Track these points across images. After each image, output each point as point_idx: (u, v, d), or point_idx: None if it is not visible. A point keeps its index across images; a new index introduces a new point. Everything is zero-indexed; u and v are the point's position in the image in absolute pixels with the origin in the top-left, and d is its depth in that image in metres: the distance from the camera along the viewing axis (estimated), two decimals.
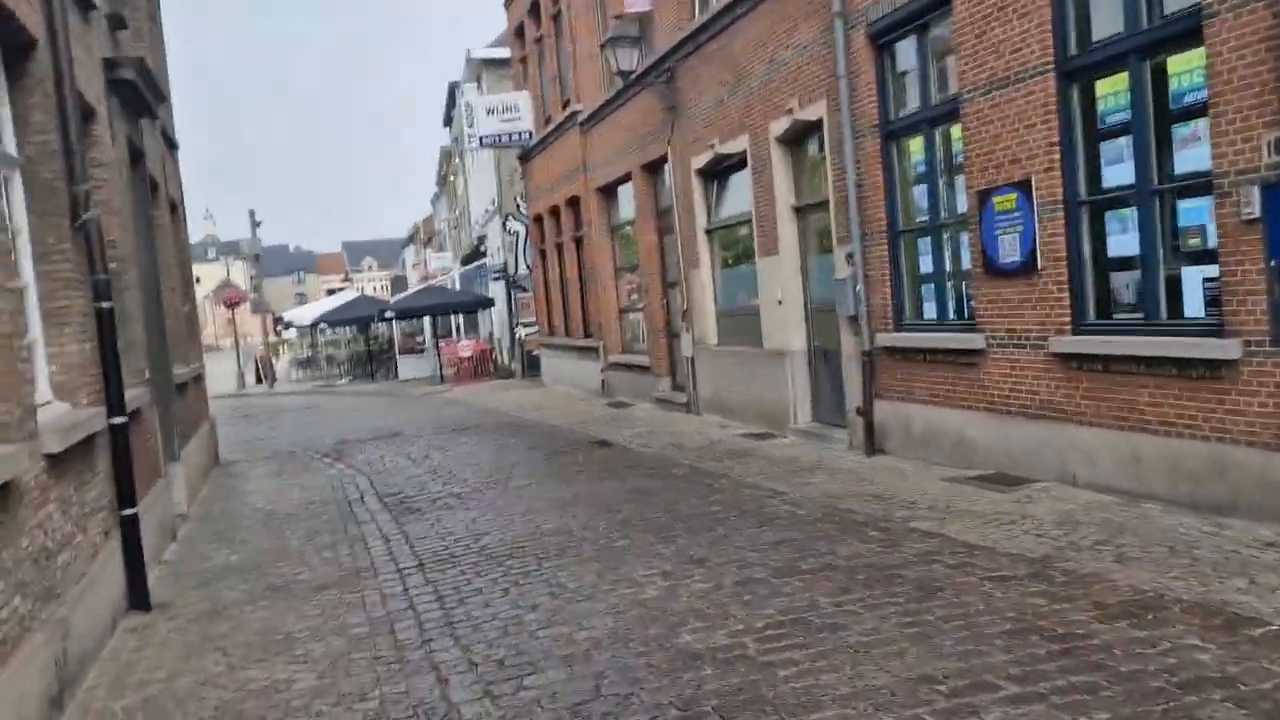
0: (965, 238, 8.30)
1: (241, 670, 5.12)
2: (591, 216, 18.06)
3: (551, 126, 19.90)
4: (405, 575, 6.72)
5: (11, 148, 5.68)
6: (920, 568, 5.73)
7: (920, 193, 9.04)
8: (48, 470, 4.93)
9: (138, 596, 6.25)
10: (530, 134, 21.70)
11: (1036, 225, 7.30)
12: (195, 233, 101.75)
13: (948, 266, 8.73)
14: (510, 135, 21.94)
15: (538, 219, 22.45)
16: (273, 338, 41.69)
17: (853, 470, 8.98)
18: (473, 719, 4.24)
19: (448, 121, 48.12)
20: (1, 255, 4.70)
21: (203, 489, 11.50)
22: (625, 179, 16.24)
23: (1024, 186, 7.38)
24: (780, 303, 11.23)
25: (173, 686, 4.98)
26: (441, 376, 28.37)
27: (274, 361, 36.88)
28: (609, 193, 17.67)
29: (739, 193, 12.40)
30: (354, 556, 7.45)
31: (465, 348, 27.96)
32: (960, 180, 8.27)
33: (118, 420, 6.23)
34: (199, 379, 13.07)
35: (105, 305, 6.19)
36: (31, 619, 4.40)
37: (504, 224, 27.07)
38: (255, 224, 34.37)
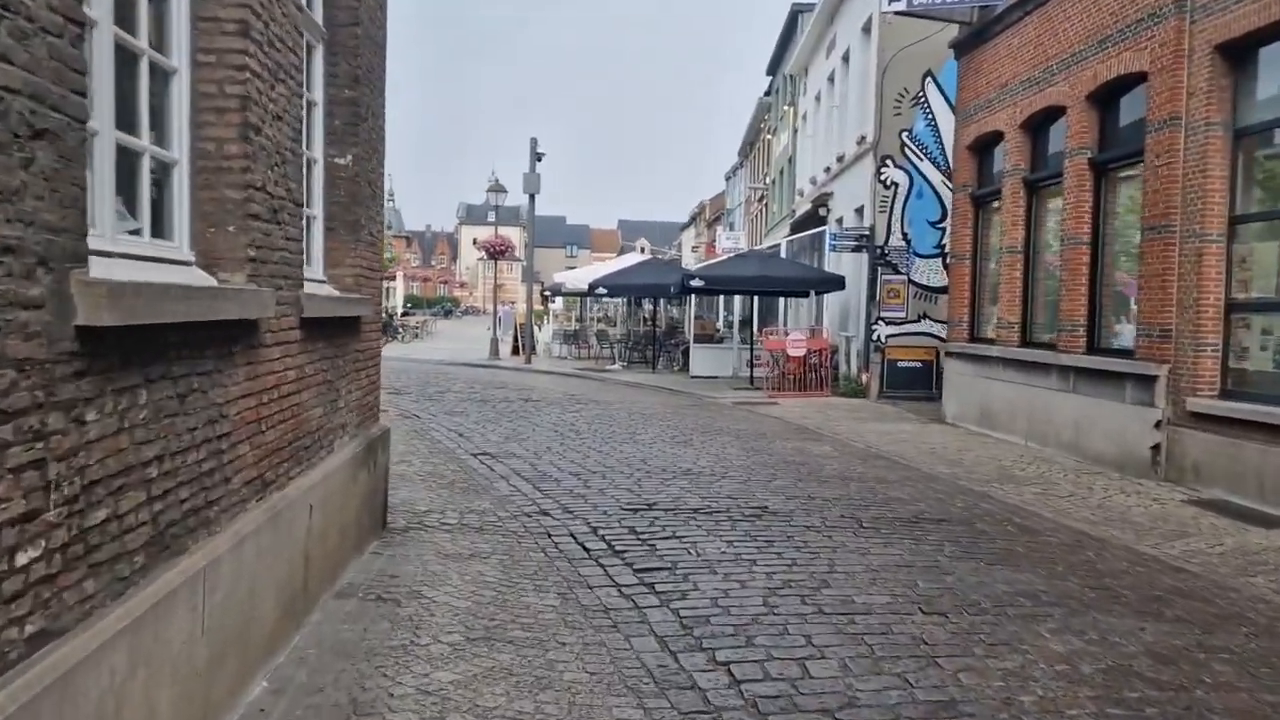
0: None
1: None
2: (1182, 108, 8.79)
3: None
4: None
5: None
6: None
7: None
8: None
9: None
10: None
11: None
12: (477, 194, 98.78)
13: None
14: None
15: (975, 146, 13.36)
16: (538, 305, 34.78)
17: None
18: None
19: (772, 68, 39.70)
20: None
21: (279, 656, 3.42)
22: None
23: None
24: None
25: None
26: (751, 379, 19.99)
27: (535, 331, 29.87)
28: (1243, 53, 8.34)
29: None
30: None
31: (797, 343, 19.25)
32: None
33: None
34: (351, 325, 5.04)
35: None
36: None
37: (878, 171, 18.18)
38: (536, 156, 27.26)
